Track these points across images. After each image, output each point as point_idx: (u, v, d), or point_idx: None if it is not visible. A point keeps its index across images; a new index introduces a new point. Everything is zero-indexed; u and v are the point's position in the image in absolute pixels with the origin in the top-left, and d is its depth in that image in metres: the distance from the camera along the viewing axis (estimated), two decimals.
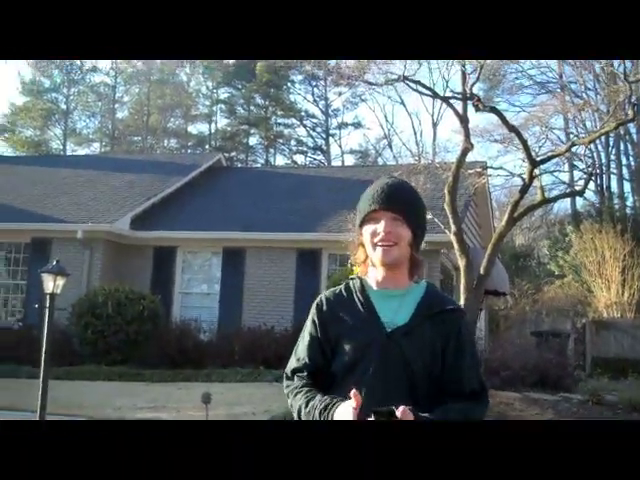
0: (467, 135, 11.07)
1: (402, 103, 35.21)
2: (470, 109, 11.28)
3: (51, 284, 8.38)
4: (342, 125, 41.51)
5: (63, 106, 42.23)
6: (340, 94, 38.64)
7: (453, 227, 10.77)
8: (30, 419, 7.07)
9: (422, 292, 2.15)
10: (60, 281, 8.52)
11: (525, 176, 11.04)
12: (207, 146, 40.60)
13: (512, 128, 11.04)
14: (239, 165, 36.49)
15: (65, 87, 42.17)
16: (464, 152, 11.05)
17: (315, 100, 41.49)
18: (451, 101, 11.59)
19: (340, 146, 42.27)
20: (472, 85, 10.98)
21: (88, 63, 42.33)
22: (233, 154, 40.38)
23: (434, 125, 36.83)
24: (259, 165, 38.43)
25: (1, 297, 15.32)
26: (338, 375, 2.06)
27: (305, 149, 42.09)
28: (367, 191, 2.18)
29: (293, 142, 42.06)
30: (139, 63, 42.07)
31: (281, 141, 41.92)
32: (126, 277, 14.08)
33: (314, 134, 41.94)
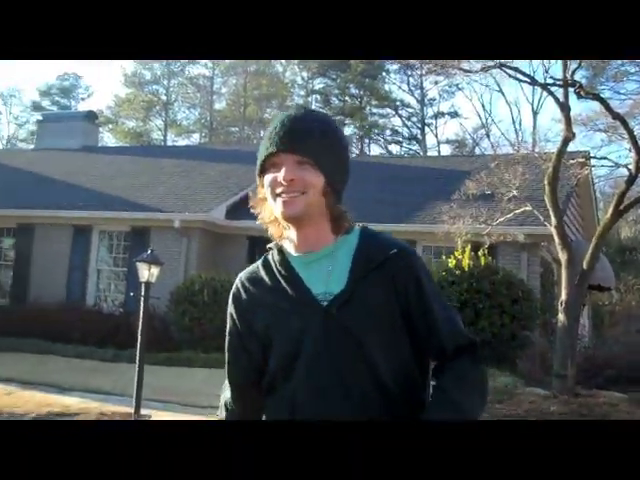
0: (568, 123, 10.56)
1: (500, 91, 34.28)
2: (572, 97, 10.79)
3: (146, 273, 8.59)
4: (438, 114, 40.85)
5: (164, 97, 43.44)
6: (436, 83, 37.94)
7: (554, 220, 10.31)
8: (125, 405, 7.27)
9: (355, 243, 1.66)
10: (154, 270, 8.71)
11: (631, 167, 10.46)
12: None
13: (617, 116, 10.46)
14: None
15: (165, 79, 43.34)
16: (565, 141, 10.55)
17: (410, 89, 40.99)
18: (551, 88, 11.11)
19: (436, 136, 41.68)
20: (574, 72, 10.49)
21: None
22: None
23: (534, 114, 35.73)
24: (353, 155, 38.34)
25: (105, 283, 15.90)
26: (277, 373, 1.63)
27: (400, 139, 41.70)
28: (267, 129, 1.68)
29: (388, 132, 41.74)
30: None
31: (376, 131, 41.67)
32: (221, 265, 14.30)
33: (409, 124, 41.48)
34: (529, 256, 12.87)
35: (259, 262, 1.75)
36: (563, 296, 9.89)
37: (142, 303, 8.29)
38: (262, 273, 1.71)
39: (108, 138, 42.97)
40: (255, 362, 1.68)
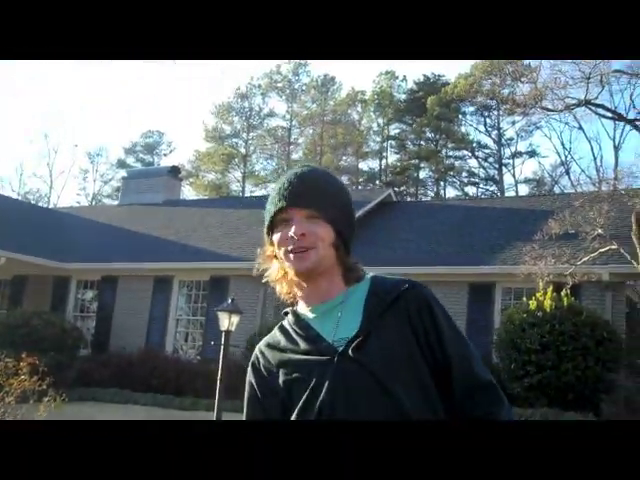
0: None
1: (580, 128, 33.46)
2: None
3: (226, 321, 8.70)
4: (516, 154, 40.33)
5: (242, 150, 44.56)
6: (514, 123, 37.60)
7: None
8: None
9: (366, 289, 1.67)
10: (235, 318, 8.81)
11: None
12: (377, 182, 40.95)
13: None
14: (409, 199, 36.39)
15: (244, 132, 44.52)
16: None
17: (487, 130, 40.71)
18: (637, 123, 10.79)
19: (514, 176, 41.06)
20: None
21: (266, 108, 44.52)
22: (403, 188, 40.42)
23: (616, 149, 34.80)
24: (429, 199, 38.13)
25: (183, 332, 16.17)
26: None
27: (477, 180, 41.33)
28: (273, 188, 1.71)
29: (464, 174, 41.44)
30: (314, 106, 43.52)
31: (452, 173, 41.41)
32: None
33: (486, 165, 41.10)
34: (614, 295, 12.33)
35: (276, 328, 1.75)
36: None
37: (222, 351, 8.36)
38: (279, 337, 1.71)
39: (188, 191, 44.28)
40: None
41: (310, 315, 1.68)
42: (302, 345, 1.64)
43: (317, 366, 1.59)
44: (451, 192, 41.40)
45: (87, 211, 25.86)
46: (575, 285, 11.29)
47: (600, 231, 11.37)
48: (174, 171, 24.78)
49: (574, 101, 10.61)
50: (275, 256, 1.68)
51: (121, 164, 47.83)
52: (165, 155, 50.23)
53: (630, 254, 10.90)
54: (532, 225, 13.59)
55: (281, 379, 1.65)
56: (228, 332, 8.62)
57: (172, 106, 66.90)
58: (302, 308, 1.71)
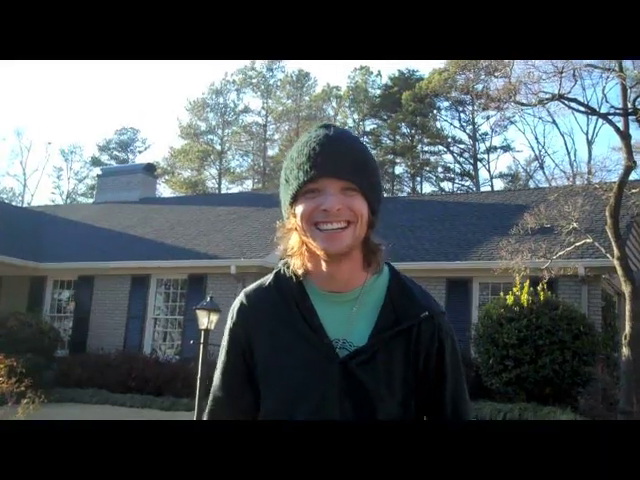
0: (629, 152, 10.34)
1: (554, 122, 33.80)
2: (632, 125, 10.59)
3: (205, 320, 8.68)
4: (490, 149, 40.62)
5: (218, 147, 44.34)
6: (488, 118, 37.84)
7: (617, 252, 10.02)
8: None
9: (383, 291, 1.52)
10: (214, 317, 8.80)
11: None
12: None
13: None
14: (385, 195, 36.50)
15: (219, 129, 44.30)
16: (627, 170, 10.32)
17: (462, 125, 40.93)
18: (610, 117, 10.92)
19: (489, 170, 41.41)
20: (635, 99, 10.33)
21: (241, 104, 44.33)
22: None
23: (589, 143, 35.18)
24: (405, 194, 38.28)
25: (161, 332, 16.07)
26: (279, 413, 1.49)
27: (452, 175, 41.54)
28: (296, 151, 1.51)
29: (440, 169, 41.65)
30: (289, 102, 43.43)
31: (428, 169, 41.59)
32: None
33: (461, 160, 41.33)
34: (590, 289, 12.47)
35: (270, 281, 1.57)
36: (627, 329, 9.56)
37: (201, 350, 8.34)
38: (274, 295, 1.54)
39: (164, 189, 44.02)
40: (252, 389, 1.55)
41: (318, 296, 1.52)
42: (301, 326, 1.49)
43: (313, 361, 1.47)
44: (427, 187, 41.67)
45: (62, 210, 25.59)
46: (551, 279, 11.40)
47: (575, 225, 11.49)
48: (149, 168, 24.65)
49: (547, 95, 10.71)
50: (296, 229, 1.49)
51: (95, 162, 47.40)
52: (140, 152, 49.92)
53: (605, 248, 11.03)
54: (508, 220, 13.72)
55: (264, 347, 1.51)
56: (207, 331, 8.61)
57: (146, 102, 66.46)
58: (310, 279, 1.53)
